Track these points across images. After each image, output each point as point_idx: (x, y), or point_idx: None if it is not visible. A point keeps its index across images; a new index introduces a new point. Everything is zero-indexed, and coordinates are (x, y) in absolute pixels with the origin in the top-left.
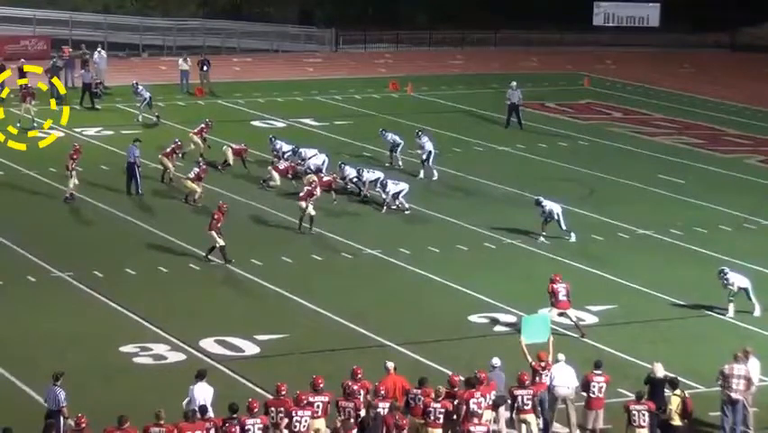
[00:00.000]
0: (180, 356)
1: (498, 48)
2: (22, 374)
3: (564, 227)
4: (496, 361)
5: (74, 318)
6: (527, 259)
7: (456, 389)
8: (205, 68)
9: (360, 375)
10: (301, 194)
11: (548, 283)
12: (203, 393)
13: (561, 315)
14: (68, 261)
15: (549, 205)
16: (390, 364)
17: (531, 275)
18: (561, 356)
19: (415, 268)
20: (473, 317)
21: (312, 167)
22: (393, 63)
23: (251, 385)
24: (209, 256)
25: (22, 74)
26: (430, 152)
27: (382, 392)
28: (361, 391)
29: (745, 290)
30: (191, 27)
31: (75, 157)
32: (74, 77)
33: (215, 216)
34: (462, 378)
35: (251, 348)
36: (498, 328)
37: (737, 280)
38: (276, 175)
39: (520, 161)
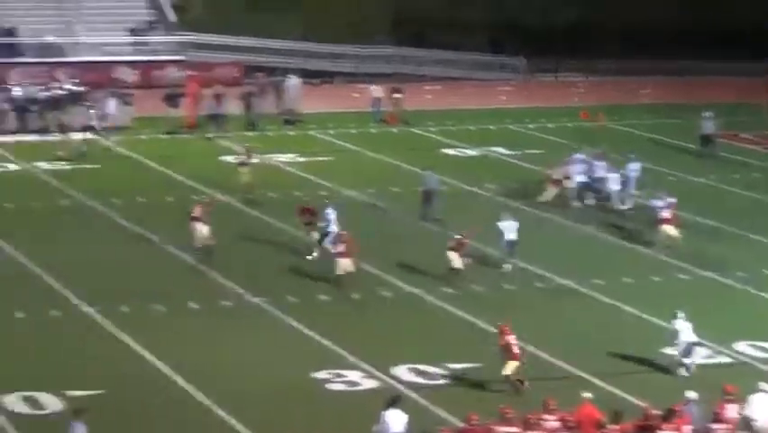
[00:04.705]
0: (373, 383)
1: (692, 77)
2: (214, 397)
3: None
4: (691, 394)
5: (267, 343)
6: (723, 291)
7: (651, 423)
8: (397, 95)
9: (552, 406)
10: (450, 244)
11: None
12: (396, 420)
13: None
14: (261, 286)
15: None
16: (587, 395)
17: (725, 307)
18: (765, 385)
19: (607, 298)
20: (667, 350)
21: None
22: (585, 92)
23: (443, 414)
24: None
25: (218, 100)
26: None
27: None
28: (557, 423)
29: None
30: (384, 55)
31: (207, 210)
32: (267, 103)
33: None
34: (656, 411)
35: (443, 377)
36: (691, 360)
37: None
38: (552, 189)
39: (714, 192)
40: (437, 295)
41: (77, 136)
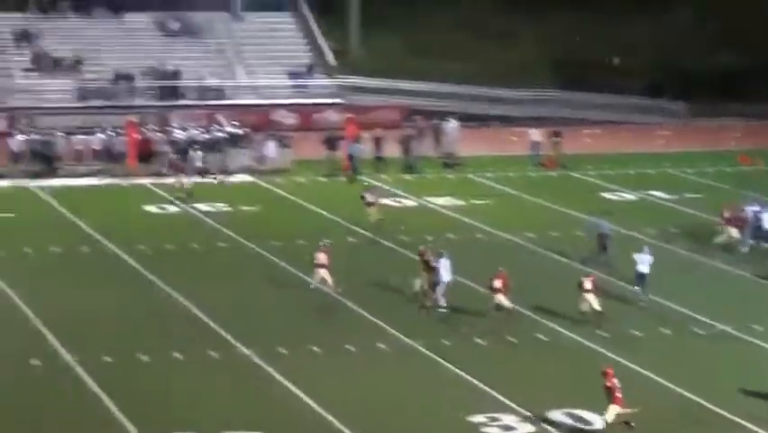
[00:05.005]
0: (529, 428)
1: None
2: None
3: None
4: None
5: (422, 386)
6: None
7: None
8: (556, 139)
9: None
10: (587, 286)
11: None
12: None
13: None
14: (416, 328)
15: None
16: None
17: None
18: None
19: (766, 344)
20: None
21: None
22: (743, 136)
23: None
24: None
25: (378, 144)
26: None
27: None
28: None
29: None
30: (542, 98)
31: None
32: (426, 147)
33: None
34: None
35: (599, 422)
36: None
37: None
38: (729, 230)
39: None
40: (592, 338)
41: (190, 179)
